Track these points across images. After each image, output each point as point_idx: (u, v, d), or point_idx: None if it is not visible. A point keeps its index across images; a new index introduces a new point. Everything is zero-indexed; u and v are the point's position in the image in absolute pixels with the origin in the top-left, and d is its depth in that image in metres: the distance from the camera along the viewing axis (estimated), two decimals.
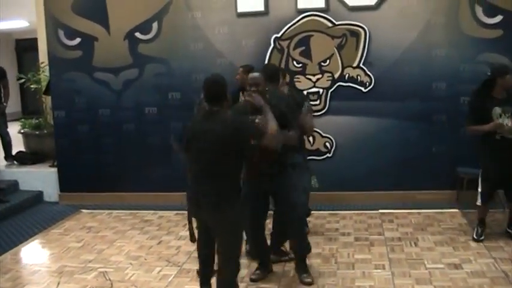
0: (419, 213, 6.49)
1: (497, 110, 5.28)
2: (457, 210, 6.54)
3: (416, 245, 5.58)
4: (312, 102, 6.82)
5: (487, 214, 5.72)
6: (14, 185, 8.07)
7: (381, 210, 6.66)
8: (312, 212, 6.15)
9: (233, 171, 3.85)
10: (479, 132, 5.41)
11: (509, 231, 5.63)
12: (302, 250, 4.79)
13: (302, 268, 4.77)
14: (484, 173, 5.54)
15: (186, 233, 6.21)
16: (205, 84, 3.91)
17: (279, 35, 7.00)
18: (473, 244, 5.48)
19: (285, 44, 7.01)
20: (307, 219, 5.91)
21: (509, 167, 5.34)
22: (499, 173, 5.38)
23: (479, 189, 5.58)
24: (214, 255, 4.07)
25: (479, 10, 6.57)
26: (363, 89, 6.90)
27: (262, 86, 4.40)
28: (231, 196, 3.80)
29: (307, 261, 4.87)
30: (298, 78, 6.97)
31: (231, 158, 3.75)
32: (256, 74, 4.50)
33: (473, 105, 5.50)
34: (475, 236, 5.60)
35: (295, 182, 4.59)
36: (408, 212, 6.56)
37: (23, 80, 9.38)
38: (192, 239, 4.64)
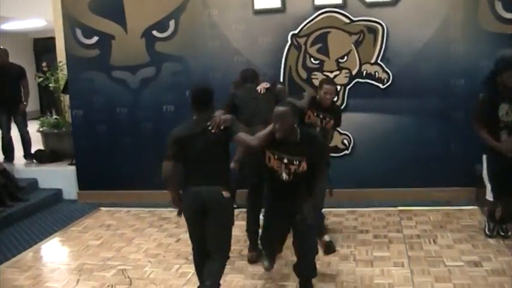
0: (438, 210, 6.44)
1: (503, 107, 5.03)
2: (476, 207, 6.47)
3: (435, 242, 5.54)
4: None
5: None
6: (33, 183, 8.15)
7: (399, 208, 6.62)
8: (330, 209, 6.15)
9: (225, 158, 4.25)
10: (483, 140, 5.19)
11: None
12: (308, 274, 4.53)
13: None
14: (489, 165, 5.34)
15: None
16: (193, 92, 4.25)
17: (296, 32, 6.98)
18: (492, 242, 5.43)
19: (302, 40, 6.99)
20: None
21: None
22: (506, 162, 5.11)
23: (488, 185, 5.45)
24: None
25: (498, 5, 6.49)
26: (381, 85, 6.86)
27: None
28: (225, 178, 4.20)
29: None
30: (315, 75, 6.94)
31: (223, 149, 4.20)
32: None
33: (481, 99, 5.23)
34: (487, 232, 5.56)
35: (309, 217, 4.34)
36: (427, 210, 6.51)
37: (41, 79, 9.46)
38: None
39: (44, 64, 14.40)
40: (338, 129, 6.71)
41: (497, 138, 5.14)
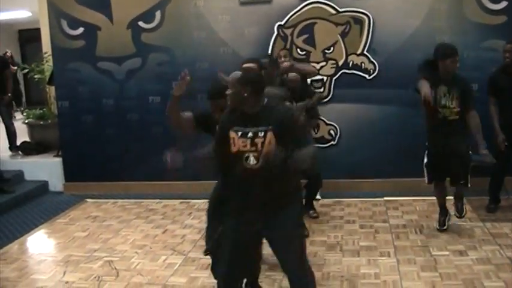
0: (424, 200, 6.45)
1: (441, 89, 5.13)
2: None
3: (421, 232, 5.57)
4: (316, 90, 6.81)
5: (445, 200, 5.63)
6: (19, 175, 8.10)
7: (385, 198, 6.65)
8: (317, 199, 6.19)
9: None
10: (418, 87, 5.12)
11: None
12: None
13: None
14: (427, 151, 5.43)
15: (191, 221, 6.30)
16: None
17: (282, 23, 6.97)
18: (478, 231, 5.47)
19: (288, 31, 6.98)
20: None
21: (450, 148, 5.18)
22: (440, 152, 5.26)
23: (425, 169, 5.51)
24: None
25: None
26: (367, 76, 6.87)
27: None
28: None
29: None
30: None
31: None
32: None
33: (425, 64, 5.30)
34: (437, 226, 5.57)
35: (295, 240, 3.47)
36: (413, 199, 6.54)
37: (26, 71, 9.40)
38: None
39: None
40: (324, 119, 6.78)
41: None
